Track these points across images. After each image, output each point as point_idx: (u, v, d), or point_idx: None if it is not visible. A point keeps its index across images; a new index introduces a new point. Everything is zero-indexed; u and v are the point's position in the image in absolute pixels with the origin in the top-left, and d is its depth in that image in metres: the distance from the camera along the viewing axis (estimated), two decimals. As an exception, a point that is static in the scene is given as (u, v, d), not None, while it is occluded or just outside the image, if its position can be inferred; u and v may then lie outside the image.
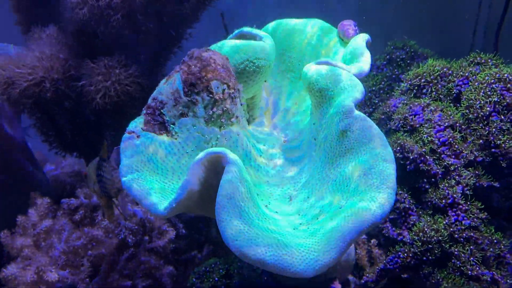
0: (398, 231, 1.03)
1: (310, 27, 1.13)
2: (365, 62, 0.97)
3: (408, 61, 1.45)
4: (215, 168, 0.80)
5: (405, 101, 1.16)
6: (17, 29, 1.67)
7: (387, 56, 1.50)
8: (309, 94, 0.98)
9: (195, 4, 1.44)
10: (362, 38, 1.03)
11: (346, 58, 1.03)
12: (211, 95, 0.91)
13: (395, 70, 1.46)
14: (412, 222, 1.02)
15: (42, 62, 1.25)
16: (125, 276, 1.29)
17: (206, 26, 1.75)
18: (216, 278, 1.17)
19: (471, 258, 0.92)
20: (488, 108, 1.00)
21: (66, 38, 1.38)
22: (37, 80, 1.23)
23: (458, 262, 0.92)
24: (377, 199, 0.75)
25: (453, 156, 1.00)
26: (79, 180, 1.99)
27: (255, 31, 1.08)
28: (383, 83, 1.47)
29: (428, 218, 0.99)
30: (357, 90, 0.87)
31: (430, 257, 0.94)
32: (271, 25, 1.16)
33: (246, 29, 1.11)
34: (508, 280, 0.94)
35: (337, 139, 0.86)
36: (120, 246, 1.33)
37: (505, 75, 1.01)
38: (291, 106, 1.14)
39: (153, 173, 0.87)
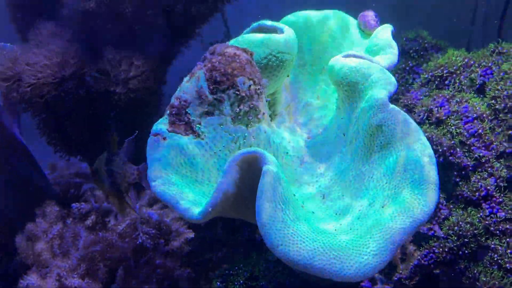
0: (429, 226, 1.01)
1: (330, 19, 1.10)
2: (393, 53, 0.94)
3: (422, 53, 1.43)
4: (251, 169, 0.77)
5: (427, 93, 1.14)
6: (10, 28, 1.60)
7: (399, 48, 1.47)
8: (337, 88, 0.94)
9: (212, 4, 1.41)
10: (388, 29, 1.00)
11: (371, 50, 1.00)
12: (237, 92, 0.88)
13: (409, 62, 1.43)
14: (443, 217, 1.00)
15: (53, 60, 1.19)
16: (142, 281, 1.25)
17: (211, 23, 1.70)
18: (241, 281, 1.13)
19: (508, 251, 0.91)
20: (517, 98, 0.98)
21: (72, 34, 1.32)
22: (49, 78, 1.18)
23: (495, 255, 0.91)
24: (421, 196, 0.73)
25: (484, 148, 0.98)
26: (81, 182, 1.94)
27: (275, 24, 1.04)
28: (396, 75, 1.45)
29: (461, 212, 0.97)
30: (390, 83, 0.84)
31: (466, 251, 0.92)
32: (290, 17, 1.12)
33: (265, 22, 1.07)
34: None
35: (371, 134, 0.84)
36: (137, 250, 1.29)
37: (533, 63, 1.00)
38: (313, 101, 1.11)
39: (183, 175, 0.83)
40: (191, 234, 1.35)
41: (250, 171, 0.77)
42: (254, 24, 1.09)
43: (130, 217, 1.35)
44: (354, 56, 0.92)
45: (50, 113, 1.40)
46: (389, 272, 1.08)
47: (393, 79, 0.85)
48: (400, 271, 1.02)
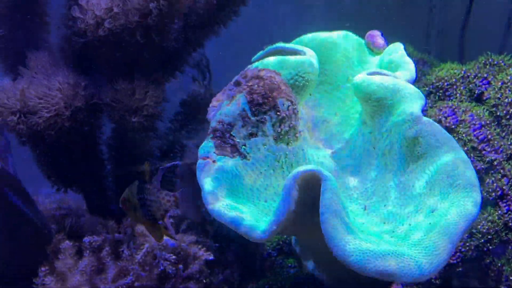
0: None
1: (342, 38, 1.17)
2: (411, 69, 1.02)
3: (410, 66, 1.53)
4: (308, 186, 0.80)
5: (430, 104, 1.23)
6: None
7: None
8: (364, 104, 1.00)
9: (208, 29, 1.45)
10: (401, 47, 1.08)
11: (387, 67, 1.07)
12: (278, 113, 0.91)
13: (399, 76, 1.53)
14: (462, 217, 1.08)
15: (65, 92, 1.16)
16: (169, 308, 1.23)
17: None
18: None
19: (527, 243, 1.01)
20: (517, 104, 1.10)
21: (75, 64, 1.30)
22: (64, 110, 1.15)
23: (516, 248, 1.00)
24: (468, 198, 0.79)
25: (494, 152, 1.08)
26: (67, 215, 1.86)
27: (294, 46, 1.09)
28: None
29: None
30: (420, 97, 0.92)
31: (490, 247, 1.01)
32: (305, 38, 1.18)
33: (282, 44, 1.11)
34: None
35: (408, 146, 0.90)
36: (160, 278, 1.27)
37: (526, 73, 1.12)
38: (331, 118, 1.16)
39: (236, 197, 0.85)
40: (210, 256, 1.35)
41: (307, 188, 0.80)
42: (270, 47, 1.13)
43: (145, 245, 1.33)
44: (379, 73, 0.99)
45: (52, 145, 1.35)
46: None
47: (421, 93, 0.92)
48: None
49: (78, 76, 1.26)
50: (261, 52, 1.16)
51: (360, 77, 1.00)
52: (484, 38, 2.40)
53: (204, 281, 1.36)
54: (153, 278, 1.24)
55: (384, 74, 0.98)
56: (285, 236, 1.61)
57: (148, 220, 1.03)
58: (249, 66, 1.06)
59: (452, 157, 0.85)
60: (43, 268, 1.17)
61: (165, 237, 1.40)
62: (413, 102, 0.90)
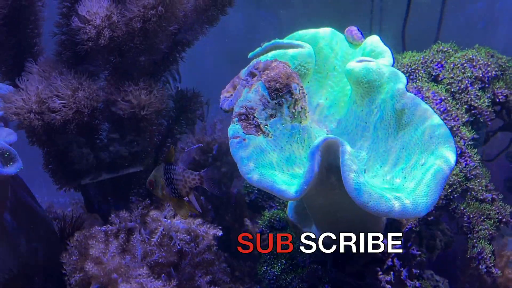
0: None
1: (328, 34, 1.36)
2: (390, 56, 1.24)
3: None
4: (328, 151, 0.99)
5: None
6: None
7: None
8: (356, 86, 1.21)
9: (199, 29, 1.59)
10: (378, 38, 1.30)
11: (369, 55, 1.28)
12: (293, 96, 1.09)
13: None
14: (433, 175, 1.33)
15: (80, 93, 1.25)
16: (189, 279, 1.37)
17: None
18: (285, 261, 1.33)
19: (480, 187, 1.27)
20: (466, 81, 1.37)
21: (70, 67, 1.39)
22: (82, 108, 1.24)
23: (473, 193, 1.27)
24: (449, 152, 1.02)
25: (453, 120, 1.34)
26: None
27: (291, 41, 1.27)
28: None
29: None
30: (402, 77, 1.13)
31: (455, 195, 1.27)
32: (295, 35, 1.36)
33: (279, 40, 1.29)
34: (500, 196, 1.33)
35: (396, 117, 1.12)
36: (178, 256, 1.39)
37: (471, 56, 1.40)
38: (323, 102, 1.36)
39: (265, 167, 1.01)
40: (219, 232, 1.49)
41: (327, 154, 0.99)
42: (268, 43, 1.30)
43: (159, 229, 1.44)
44: (366, 60, 1.20)
45: (64, 142, 1.42)
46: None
47: (403, 74, 1.15)
48: (410, 222, 1.32)
49: (90, 78, 1.35)
50: (259, 48, 1.32)
51: (352, 64, 1.20)
52: (422, 34, 2.76)
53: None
54: (173, 255, 1.37)
55: (372, 61, 1.20)
56: (274, 215, 1.79)
57: (174, 198, 1.16)
58: (254, 60, 1.22)
59: (431, 122, 1.07)
60: (74, 258, 1.24)
61: (176, 220, 1.53)
62: (398, 81, 1.12)
